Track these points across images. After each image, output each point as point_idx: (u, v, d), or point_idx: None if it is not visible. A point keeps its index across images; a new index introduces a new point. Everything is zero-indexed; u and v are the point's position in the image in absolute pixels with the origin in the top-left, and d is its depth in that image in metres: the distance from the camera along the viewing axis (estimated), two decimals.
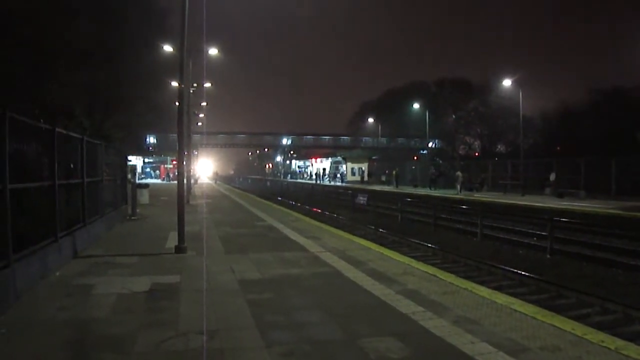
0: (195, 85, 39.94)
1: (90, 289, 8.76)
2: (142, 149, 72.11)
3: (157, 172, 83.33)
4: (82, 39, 24.91)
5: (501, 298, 8.35)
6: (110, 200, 17.90)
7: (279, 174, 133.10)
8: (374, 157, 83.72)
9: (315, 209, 37.97)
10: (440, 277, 9.90)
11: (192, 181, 45.38)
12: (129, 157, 39.14)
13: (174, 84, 32.66)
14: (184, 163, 15.77)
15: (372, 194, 42.51)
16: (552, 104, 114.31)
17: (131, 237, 15.77)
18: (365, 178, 72.98)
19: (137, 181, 33.77)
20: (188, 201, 26.46)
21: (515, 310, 7.51)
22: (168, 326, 6.73)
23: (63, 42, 24.02)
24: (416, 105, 73.88)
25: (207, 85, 44.68)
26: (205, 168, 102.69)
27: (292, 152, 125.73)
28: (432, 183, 51.69)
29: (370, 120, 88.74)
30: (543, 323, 6.89)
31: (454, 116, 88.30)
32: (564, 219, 22.33)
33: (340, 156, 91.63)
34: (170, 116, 42.86)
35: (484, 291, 8.85)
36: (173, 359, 5.72)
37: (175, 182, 15.03)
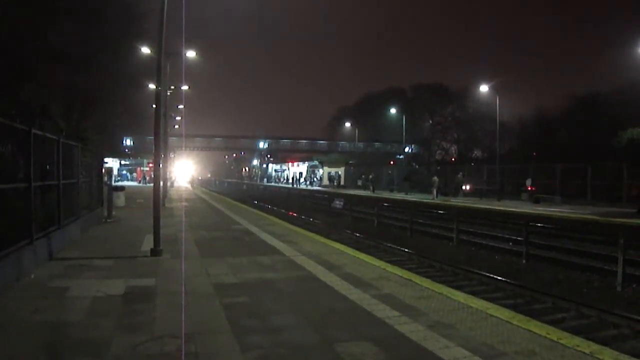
0: (172, 87, 39.84)
1: (65, 291, 8.68)
2: (118, 151, 71.68)
3: (134, 174, 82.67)
4: (60, 40, 24.78)
5: (477, 303, 8.39)
6: (86, 203, 17.73)
7: (255, 178, 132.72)
8: (350, 162, 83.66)
9: (291, 213, 37.95)
10: (416, 281, 9.92)
11: (169, 184, 45.13)
12: (106, 159, 38.82)
13: (152, 86, 32.57)
14: (160, 166, 15.67)
15: (348, 199, 42.50)
16: (529, 109, 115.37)
17: (107, 239, 15.60)
18: (342, 182, 72.89)
19: (113, 183, 33.47)
20: (164, 204, 26.32)
21: (491, 315, 7.55)
22: (143, 330, 6.68)
23: (41, 43, 23.86)
24: (393, 110, 74.23)
25: (185, 88, 44.49)
26: (182, 171, 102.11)
27: (268, 155, 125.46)
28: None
29: (348, 124, 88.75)
30: (518, 328, 6.94)
31: (430, 121, 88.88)
32: (539, 224, 22.50)
33: (317, 160, 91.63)
34: (147, 118, 42.79)
35: (459, 296, 8.88)
36: None
37: (152, 184, 14.95)
